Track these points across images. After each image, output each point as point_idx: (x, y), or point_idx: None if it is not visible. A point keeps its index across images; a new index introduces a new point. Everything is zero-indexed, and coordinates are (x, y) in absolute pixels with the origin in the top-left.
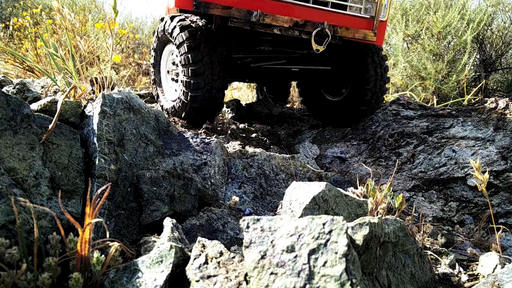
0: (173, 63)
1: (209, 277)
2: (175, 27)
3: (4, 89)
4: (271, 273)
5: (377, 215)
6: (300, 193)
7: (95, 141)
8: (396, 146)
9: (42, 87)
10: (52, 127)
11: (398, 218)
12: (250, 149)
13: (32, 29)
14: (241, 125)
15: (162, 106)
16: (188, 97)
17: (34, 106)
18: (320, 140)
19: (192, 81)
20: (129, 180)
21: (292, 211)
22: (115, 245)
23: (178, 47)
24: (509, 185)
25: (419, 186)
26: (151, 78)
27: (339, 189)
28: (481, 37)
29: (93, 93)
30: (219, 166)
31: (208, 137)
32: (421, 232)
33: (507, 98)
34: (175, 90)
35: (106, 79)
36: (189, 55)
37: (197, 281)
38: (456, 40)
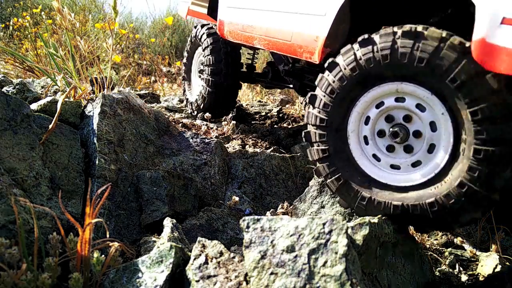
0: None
1: (209, 277)
2: None
3: (4, 89)
4: (271, 273)
5: None
6: None
7: (95, 141)
8: None
9: (42, 87)
10: (52, 127)
11: None
12: (250, 149)
13: (32, 29)
14: (241, 125)
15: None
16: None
17: (34, 106)
18: None
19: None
20: (129, 180)
21: None
22: (115, 245)
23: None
24: None
25: None
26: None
27: None
28: None
29: (93, 93)
30: (219, 166)
31: (208, 137)
32: None
33: None
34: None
35: (106, 79)
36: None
37: (197, 281)
38: None
